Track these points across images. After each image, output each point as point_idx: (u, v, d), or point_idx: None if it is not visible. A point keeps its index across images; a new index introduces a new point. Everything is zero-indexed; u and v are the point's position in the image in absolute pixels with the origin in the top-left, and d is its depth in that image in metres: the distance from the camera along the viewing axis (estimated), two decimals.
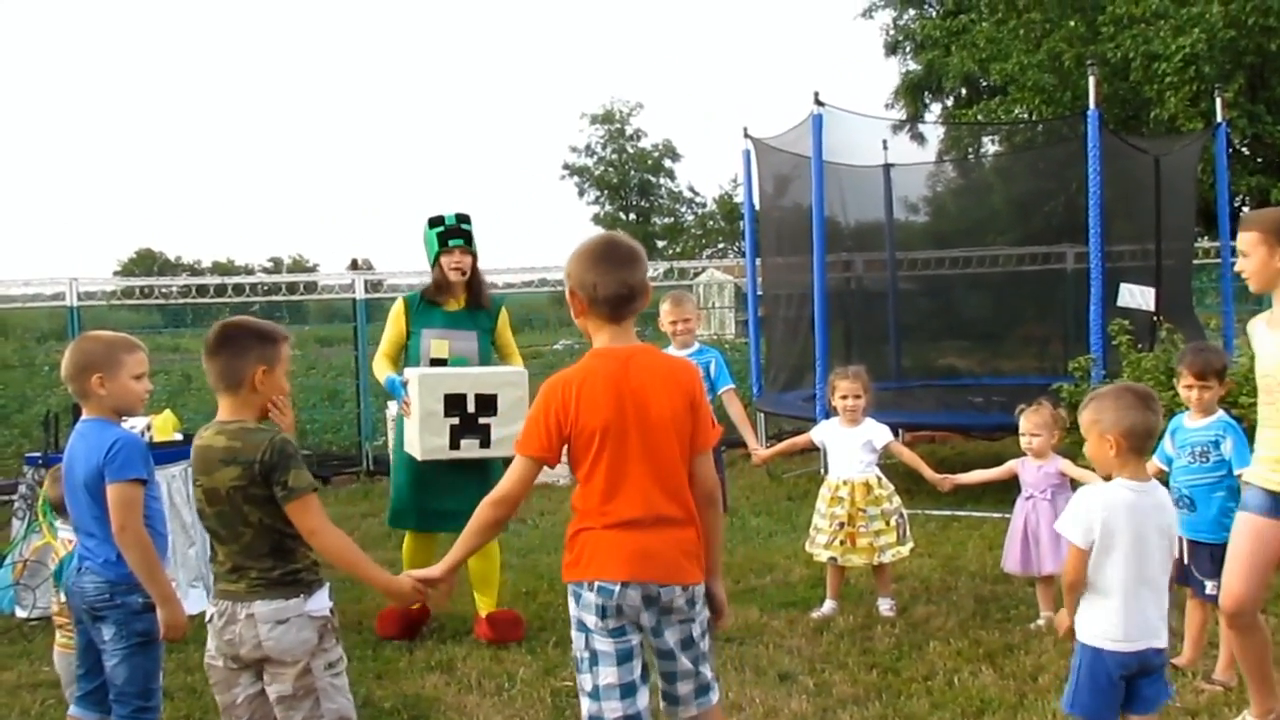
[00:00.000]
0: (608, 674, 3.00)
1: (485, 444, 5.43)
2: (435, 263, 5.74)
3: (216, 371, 3.30)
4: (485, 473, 5.33)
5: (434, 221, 5.77)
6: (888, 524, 5.84)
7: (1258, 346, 4.14)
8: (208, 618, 3.30)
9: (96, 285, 10.84)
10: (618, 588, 2.99)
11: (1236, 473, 4.43)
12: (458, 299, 5.78)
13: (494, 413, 5.41)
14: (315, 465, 10.25)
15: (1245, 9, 12.85)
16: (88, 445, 3.56)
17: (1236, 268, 4.12)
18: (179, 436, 6.39)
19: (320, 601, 3.29)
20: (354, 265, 11.58)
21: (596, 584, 3.01)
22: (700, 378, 3.28)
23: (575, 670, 3.12)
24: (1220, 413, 4.69)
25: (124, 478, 3.47)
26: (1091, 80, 8.51)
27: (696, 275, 18.49)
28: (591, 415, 3.00)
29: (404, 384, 5.53)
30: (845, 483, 5.88)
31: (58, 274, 10.29)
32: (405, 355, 5.81)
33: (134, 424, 5.98)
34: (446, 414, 5.35)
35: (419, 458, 5.42)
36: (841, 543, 5.84)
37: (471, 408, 5.38)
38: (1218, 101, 10.65)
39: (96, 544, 3.54)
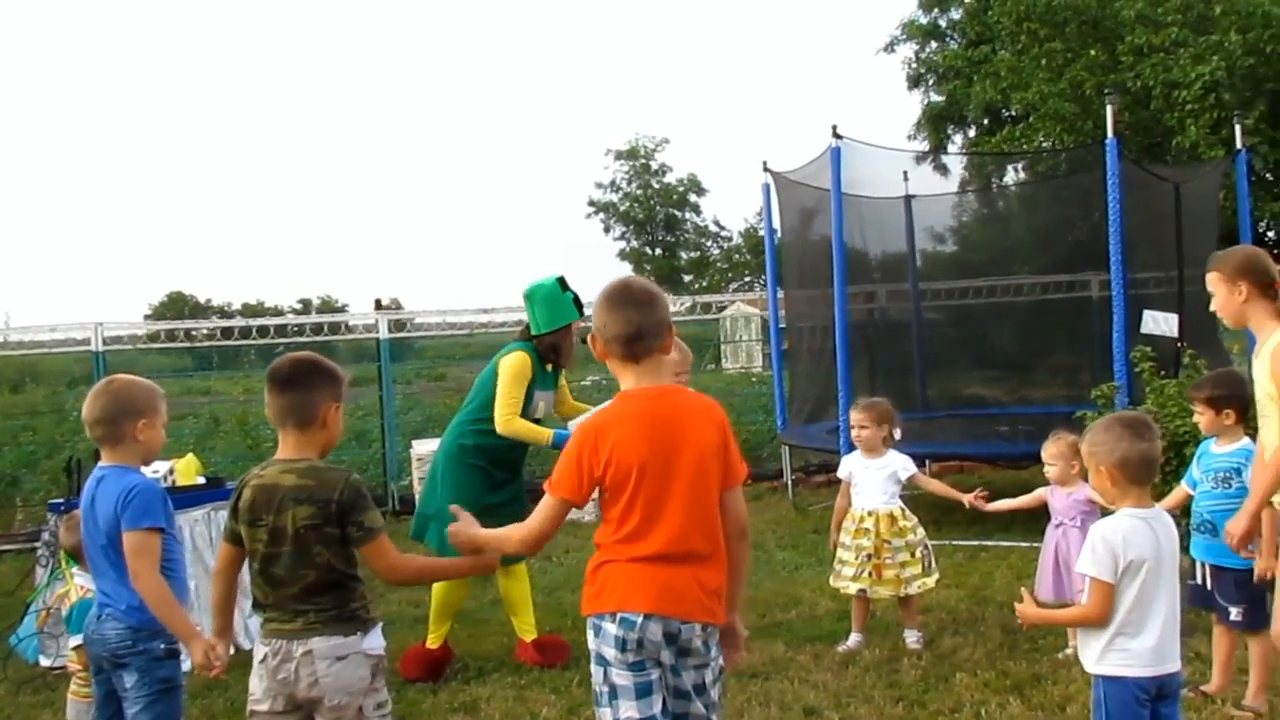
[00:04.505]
0: (627, 708, 2.98)
1: None
2: (565, 327, 5.69)
3: (286, 407, 3.27)
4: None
5: (565, 285, 5.72)
6: (913, 555, 5.81)
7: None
8: (259, 658, 3.24)
9: (123, 329, 10.93)
10: (639, 619, 2.98)
11: None
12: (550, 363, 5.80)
13: None
14: None
15: (1264, 37, 12.81)
16: (108, 491, 3.53)
17: (1210, 306, 4.20)
18: (202, 480, 6.43)
19: (375, 640, 3.28)
20: (378, 305, 11.60)
21: (618, 616, 3.00)
22: (726, 415, 3.29)
23: (595, 705, 3.11)
24: (1245, 440, 4.65)
25: (140, 525, 3.44)
26: (1109, 109, 8.49)
27: (723, 309, 18.52)
28: (626, 455, 3.02)
29: None
30: (870, 514, 5.85)
31: (85, 319, 10.32)
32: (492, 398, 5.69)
33: (157, 468, 6.04)
34: None
35: None
36: (869, 574, 5.81)
37: None
38: (1237, 129, 10.62)
39: (118, 590, 3.51)
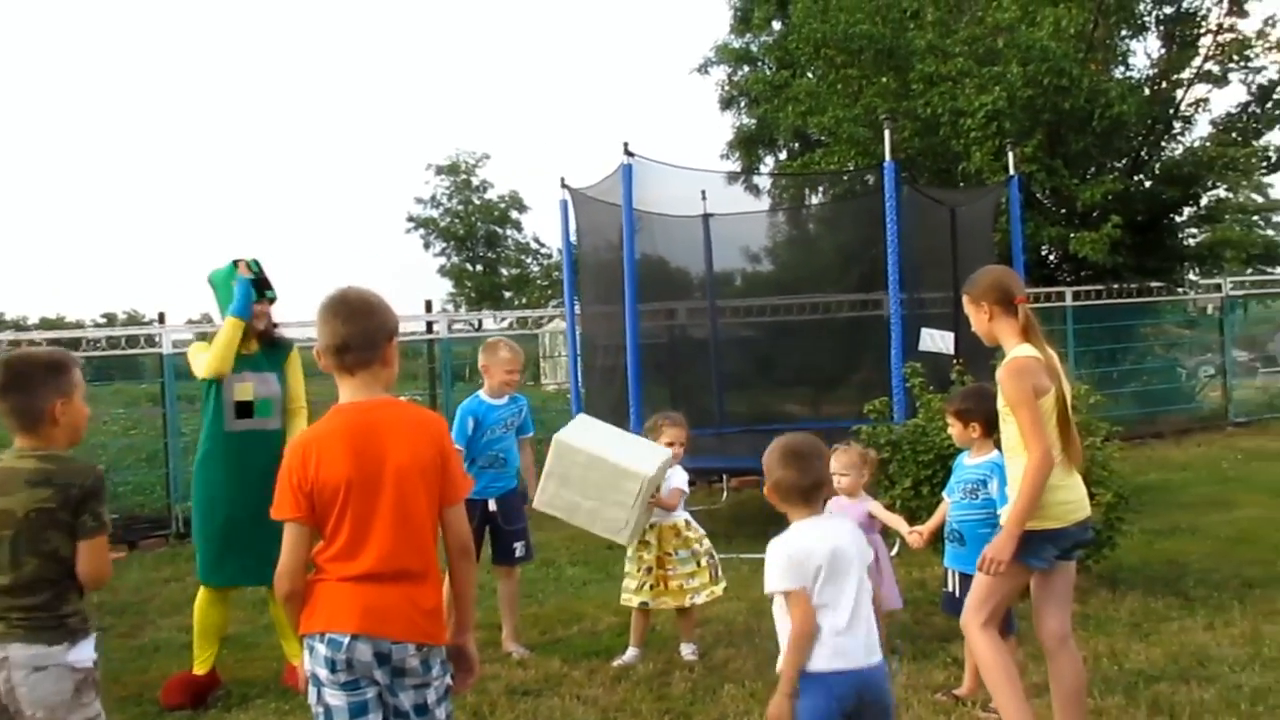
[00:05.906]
0: None
1: None
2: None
3: (8, 412, 3.17)
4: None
5: (249, 269, 5.74)
6: (700, 564, 5.86)
7: None
8: None
9: None
10: (346, 640, 2.93)
11: (999, 512, 4.58)
12: (251, 342, 5.69)
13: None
14: (123, 528, 9.81)
15: (1042, 70, 13.52)
16: None
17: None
18: None
19: (84, 652, 3.15)
20: (161, 319, 11.17)
21: (326, 636, 2.94)
22: (447, 429, 3.27)
23: None
24: (994, 453, 4.83)
25: None
26: (887, 134, 8.83)
27: (542, 324, 18.55)
28: (332, 471, 2.96)
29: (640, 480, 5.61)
30: (652, 526, 5.86)
31: None
32: (208, 397, 5.60)
33: None
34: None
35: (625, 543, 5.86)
36: (652, 587, 5.84)
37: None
38: (1009, 156, 11.18)
39: None
